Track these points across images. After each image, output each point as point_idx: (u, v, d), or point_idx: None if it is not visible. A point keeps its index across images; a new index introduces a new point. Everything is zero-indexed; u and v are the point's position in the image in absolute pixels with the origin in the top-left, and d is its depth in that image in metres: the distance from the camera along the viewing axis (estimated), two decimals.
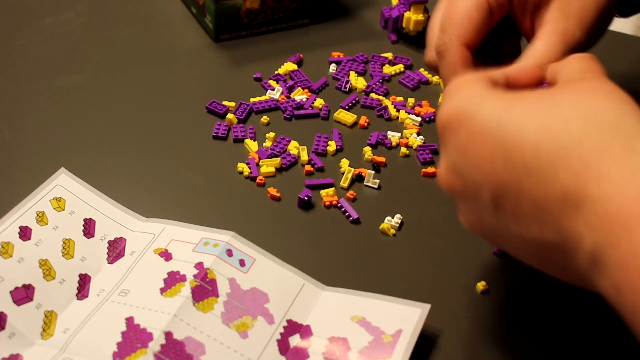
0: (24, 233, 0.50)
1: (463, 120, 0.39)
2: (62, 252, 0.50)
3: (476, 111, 0.39)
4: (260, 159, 0.60)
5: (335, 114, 0.65)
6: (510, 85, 0.43)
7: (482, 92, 0.40)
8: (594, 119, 0.36)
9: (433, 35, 0.53)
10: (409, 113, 0.66)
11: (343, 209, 0.57)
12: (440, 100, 0.68)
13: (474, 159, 0.39)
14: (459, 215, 0.43)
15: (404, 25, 0.74)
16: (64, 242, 0.50)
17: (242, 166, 0.59)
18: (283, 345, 0.46)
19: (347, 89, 0.68)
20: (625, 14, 0.57)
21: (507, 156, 0.37)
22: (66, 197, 0.53)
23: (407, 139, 0.63)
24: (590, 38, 0.51)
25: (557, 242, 0.36)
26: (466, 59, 0.50)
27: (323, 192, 0.58)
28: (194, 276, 0.48)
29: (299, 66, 0.71)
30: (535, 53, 0.49)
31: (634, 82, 0.71)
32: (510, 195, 0.38)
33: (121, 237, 0.52)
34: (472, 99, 0.40)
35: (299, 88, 0.68)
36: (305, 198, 0.56)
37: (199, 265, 0.48)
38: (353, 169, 0.60)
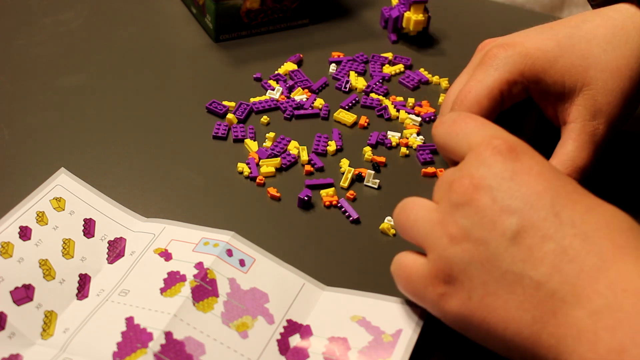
0: (24, 233, 0.50)
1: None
2: (62, 252, 0.50)
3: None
4: (260, 159, 0.60)
5: (335, 114, 0.65)
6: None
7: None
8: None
9: (446, 109, 0.55)
10: (409, 113, 0.66)
11: (343, 209, 0.57)
12: (440, 100, 0.68)
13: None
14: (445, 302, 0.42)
15: (404, 25, 0.74)
16: (64, 242, 0.50)
17: (242, 166, 0.59)
18: (283, 345, 0.46)
19: (347, 89, 0.68)
20: None
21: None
22: (66, 197, 0.53)
23: (407, 139, 0.63)
24: (616, 129, 0.52)
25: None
26: None
27: (323, 192, 0.58)
28: (194, 276, 0.48)
29: (299, 66, 0.71)
30: (567, 156, 0.51)
31: None
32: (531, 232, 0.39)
33: (121, 237, 0.52)
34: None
35: (299, 88, 0.68)
36: (305, 198, 0.56)
37: (199, 265, 0.48)
38: (353, 169, 0.60)
